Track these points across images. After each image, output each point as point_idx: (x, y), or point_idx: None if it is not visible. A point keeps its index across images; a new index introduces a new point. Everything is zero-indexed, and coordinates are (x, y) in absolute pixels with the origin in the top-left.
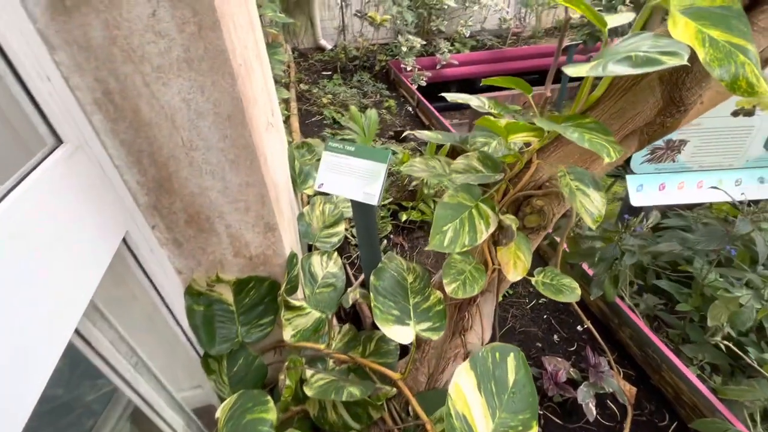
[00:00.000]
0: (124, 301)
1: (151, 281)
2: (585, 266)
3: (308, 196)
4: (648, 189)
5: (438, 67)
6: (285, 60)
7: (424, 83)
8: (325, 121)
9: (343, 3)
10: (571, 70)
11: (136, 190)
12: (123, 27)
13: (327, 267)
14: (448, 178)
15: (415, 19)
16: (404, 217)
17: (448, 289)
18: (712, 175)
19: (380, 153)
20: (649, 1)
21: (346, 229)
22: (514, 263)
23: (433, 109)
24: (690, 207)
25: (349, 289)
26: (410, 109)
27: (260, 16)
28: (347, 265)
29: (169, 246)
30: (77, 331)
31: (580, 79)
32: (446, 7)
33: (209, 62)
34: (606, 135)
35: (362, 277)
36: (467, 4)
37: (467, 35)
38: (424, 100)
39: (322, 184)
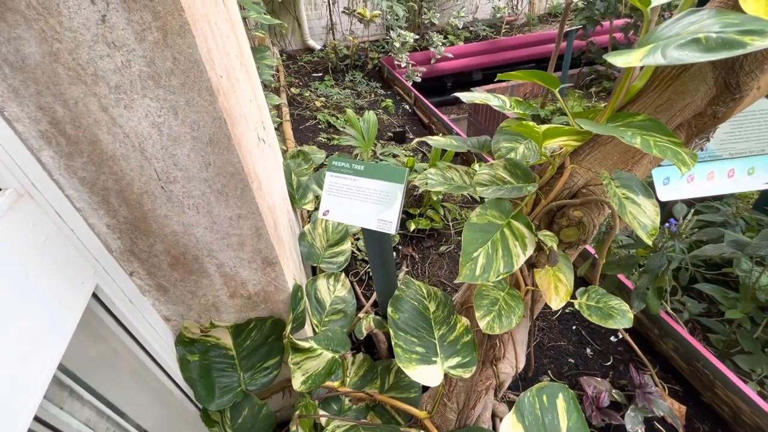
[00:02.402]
0: (104, 360)
1: (131, 335)
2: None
3: (308, 212)
4: (675, 181)
5: (432, 61)
6: (274, 64)
7: (419, 79)
8: (319, 126)
9: (330, 1)
10: (619, 60)
11: (106, 235)
12: (65, 39)
13: (335, 291)
14: (470, 191)
15: (406, 12)
16: (413, 226)
17: (482, 324)
18: (743, 163)
19: (395, 171)
20: None
21: (353, 243)
22: (555, 287)
23: (431, 106)
24: (718, 198)
25: (360, 314)
26: (407, 107)
27: (244, 19)
28: (355, 283)
29: (153, 293)
30: (38, 419)
31: (577, 65)
32: None
33: (181, 76)
34: (668, 135)
35: (373, 296)
36: None
37: (460, 26)
38: (422, 97)
39: (328, 211)
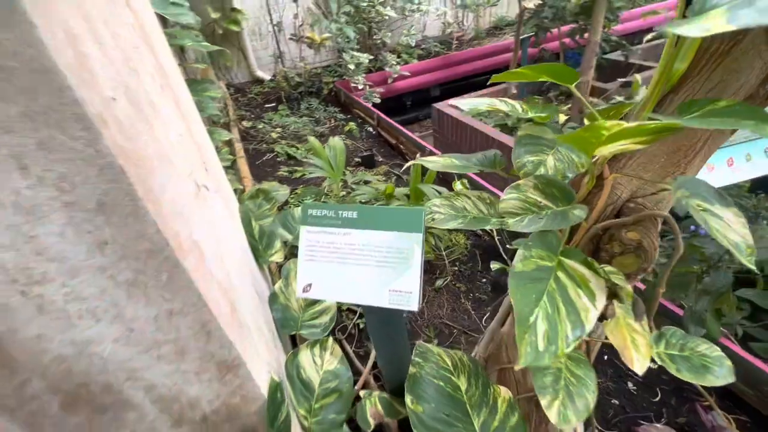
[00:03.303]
0: None
1: None
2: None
3: (278, 265)
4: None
5: (390, 81)
6: (219, 96)
7: (378, 100)
8: (278, 158)
9: (275, 29)
10: (693, 28)
11: None
12: None
13: (324, 365)
14: (493, 224)
15: (357, 34)
16: None
17: (553, 416)
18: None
19: (407, 214)
20: None
21: None
22: (633, 342)
23: (398, 126)
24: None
25: (360, 390)
26: (371, 129)
27: (181, 48)
28: (344, 341)
29: None
30: None
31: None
32: (387, 18)
33: (20, 97)
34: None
35: (371, 358)
36: (407, 13)
37: (413, 44)
38: (387, 118)
39: (309, 286)
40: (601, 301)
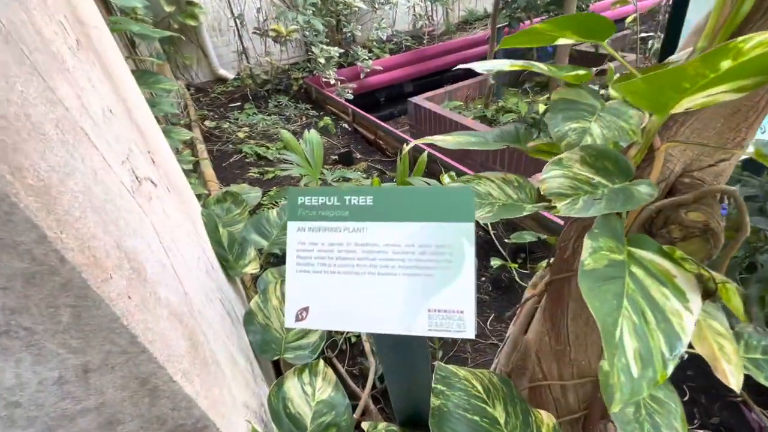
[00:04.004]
0: None
1: None
2: None
3: (253, 277)
4: None
5: (362, 76)
6: (174, 89)
7: (351, 96)
8: (247, 159)
9: (237, 23)
10: None
11: None
12: None
13: (316, 393)
14: (529, 210)
15: (325, 27)
16: None
17: None
18: None
19: (449, 195)
20: None
21: None
22: (722, 350)
23: (377, 121)
24: None
25: (364, 425)
26: (346, 126)
27: (131, 43)
28: (334, 359)
29: None
30: None
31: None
32: (356, 9)
33: None
34: None
35: (370, 379)
36: (377, 5)
37: (384, 38)
38: (363, 112)
39: (305, 311)
40: (696, 302)
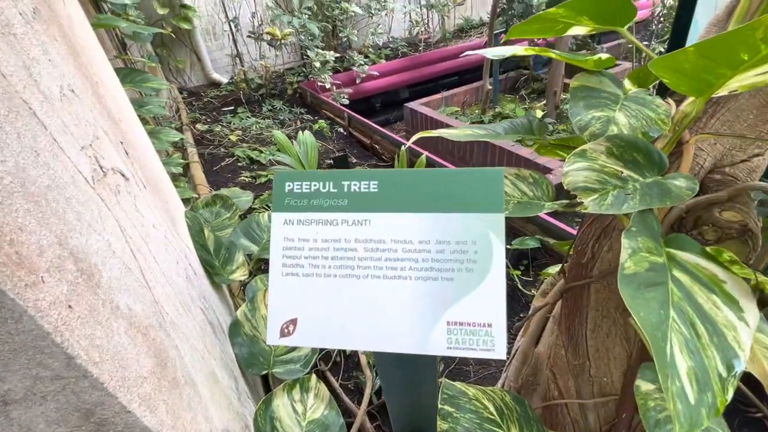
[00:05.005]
0: None
1: None
2: None
3: (242, 284)
4: None
5: (358, 81)
6: (163, 88)
7: (346, 101)
8: (239, 163)
9: (232, 26)
10: None
11: None
12: None
13: (307, 412)
14: (550, 206)
15: (321, 32)
16: None
17: None
18: None
19: (473, 178)
20: None
21: None
22: None
23: (373, 124)
24: None
25: None
26: (341, 130)
27: (122, 44)
28: (327, 373)
29: None
30: None
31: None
32: (353, 14)
33: None
34: None
35: (366, 395)
36: (373, 11)
37: (380, 44)
38: (359, 117)
39: (292, 322)
40: (752, 311)
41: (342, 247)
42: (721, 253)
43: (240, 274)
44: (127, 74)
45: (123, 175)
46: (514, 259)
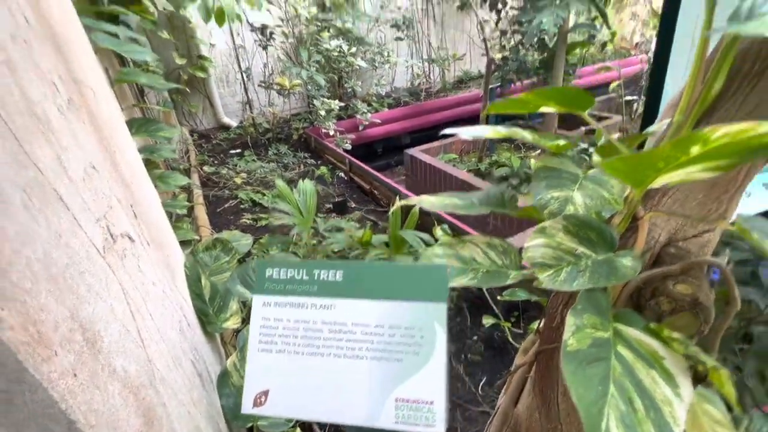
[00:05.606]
0: None
1: None
2: None
3: (235, 331)
4: (757, 192)
5: (361, 128)
6: (174, 136)
7: (349, 146)
8: (242, 206)
9: (244, 76)
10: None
11: None
12: None
13: None
14: (513, 277)
15: (327, 82)
16: None
17: None
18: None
19: (421, 273)
20: None
21: None
22: None
23: (371, 171)
24: None
25: None
26: (342, 175)
27: (140, 92)
28: (314, 425)
29: None
30: None
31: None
32: (357, 67)
33: None
34: None
35: None
36: (377, 65)
37: (383, 93)
38: (360, 163)
39: (264, 395)
40: (686, 387)
41: (310, 328)
42: (662, 330)
43: (233, 322)
44: (143, 124)
45: (130, 238)
46: (505, 310)
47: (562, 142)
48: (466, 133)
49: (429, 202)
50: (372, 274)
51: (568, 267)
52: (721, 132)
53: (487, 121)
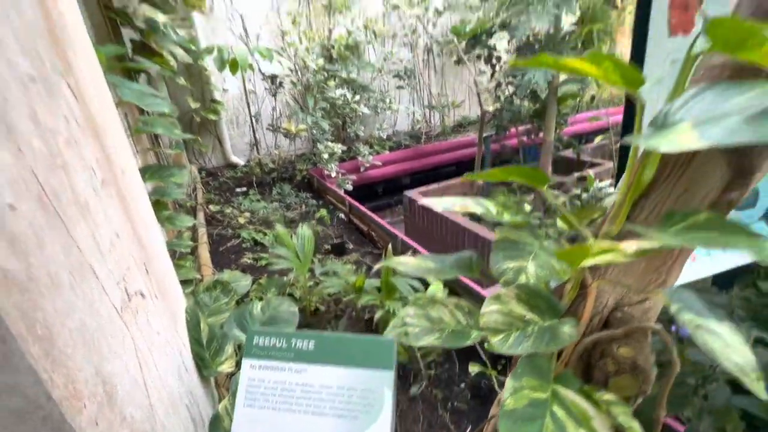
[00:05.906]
0: None
1: None
2: None
3: (229, 375)
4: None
5: (362, 169)
6: (183, 180)
7: (350, 187)
8: (244, 245)
9: (253, 119)
10: (665, 143)
11: None
12: None
13: None
14: (474, 339)
15: (331, 127)
16: None
17: None
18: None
19: (374, 347)
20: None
21: None
22: None
23: (368, 212)
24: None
25: None
26: (342, 216)
27: (155, 137)
28: None
29: None
30: None
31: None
32: (360, 114)
33: None
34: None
35: None
36: (379, 111)
37: (385, 137)
38: (358, 204)
39: None
40: None
41: (285, 389)
42: (594, 392)
43: (227, 366)
44: (156, 170)
45: (142, 295)
46: (493, 357)
47: (519, 219)
48: (439, 205)
49: (405, 265)
50: (337, 343)
51: (516, 332)
52: (601, 247)
53: (482, 168)
